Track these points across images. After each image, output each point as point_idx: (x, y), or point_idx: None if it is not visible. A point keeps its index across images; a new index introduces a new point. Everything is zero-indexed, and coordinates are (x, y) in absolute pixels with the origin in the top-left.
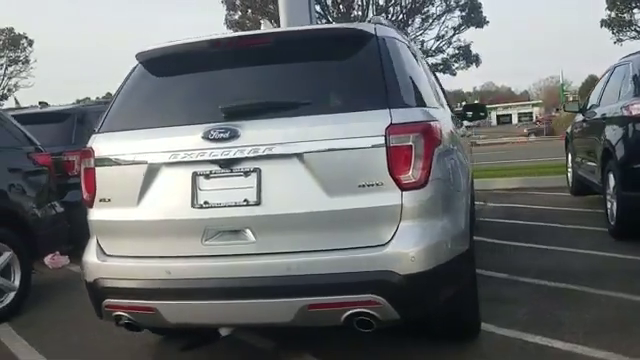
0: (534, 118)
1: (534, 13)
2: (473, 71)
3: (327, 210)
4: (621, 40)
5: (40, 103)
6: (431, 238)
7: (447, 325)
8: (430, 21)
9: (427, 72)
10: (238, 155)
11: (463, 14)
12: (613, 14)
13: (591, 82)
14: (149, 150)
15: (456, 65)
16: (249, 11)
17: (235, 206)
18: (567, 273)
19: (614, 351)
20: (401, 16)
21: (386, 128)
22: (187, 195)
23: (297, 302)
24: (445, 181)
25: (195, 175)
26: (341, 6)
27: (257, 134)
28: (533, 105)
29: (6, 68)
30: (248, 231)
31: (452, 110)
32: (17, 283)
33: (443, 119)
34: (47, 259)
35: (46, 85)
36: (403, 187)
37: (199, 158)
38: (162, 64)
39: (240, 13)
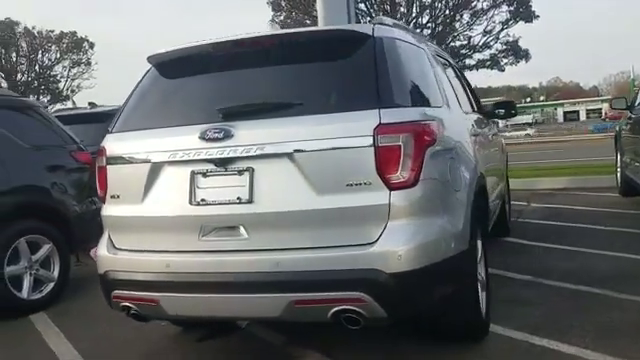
0: (603, 114)
1: (602, 4)
2: (538, 67)
3: (316, 209)
4: None
5: (89, 104)
6: (422, 237)
7: (449, 325)
8: (477, 16)
9: (440, 72)
10: (232, 154)
11: (511, 9)
12: None
13: None
14: (152, 149)
15: (505, 61)
16: (294, 12)
17: (229, 204)
18: (592, 276)
19: (620, 356)
20: (447, 12)
21: (374, 128)
22: (186, 193)
23: (284, 297)
24: (441, 181)
25: (193, 174)
26: (387, 5)
27: (250, 134)
28: (602, 101)
29: (69, 70)
30: (241, 228)
31: (480, 109)
32: (56, 274)
33: (446, 119)
34: (92, 252)
35: (109, 86)
36: (392, 187)
37: (196, 157)
38: (168, 67)
39: (285, 14)
